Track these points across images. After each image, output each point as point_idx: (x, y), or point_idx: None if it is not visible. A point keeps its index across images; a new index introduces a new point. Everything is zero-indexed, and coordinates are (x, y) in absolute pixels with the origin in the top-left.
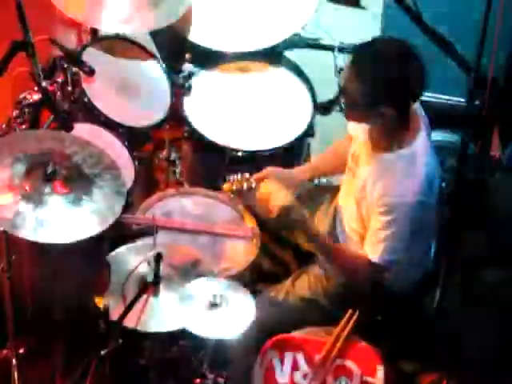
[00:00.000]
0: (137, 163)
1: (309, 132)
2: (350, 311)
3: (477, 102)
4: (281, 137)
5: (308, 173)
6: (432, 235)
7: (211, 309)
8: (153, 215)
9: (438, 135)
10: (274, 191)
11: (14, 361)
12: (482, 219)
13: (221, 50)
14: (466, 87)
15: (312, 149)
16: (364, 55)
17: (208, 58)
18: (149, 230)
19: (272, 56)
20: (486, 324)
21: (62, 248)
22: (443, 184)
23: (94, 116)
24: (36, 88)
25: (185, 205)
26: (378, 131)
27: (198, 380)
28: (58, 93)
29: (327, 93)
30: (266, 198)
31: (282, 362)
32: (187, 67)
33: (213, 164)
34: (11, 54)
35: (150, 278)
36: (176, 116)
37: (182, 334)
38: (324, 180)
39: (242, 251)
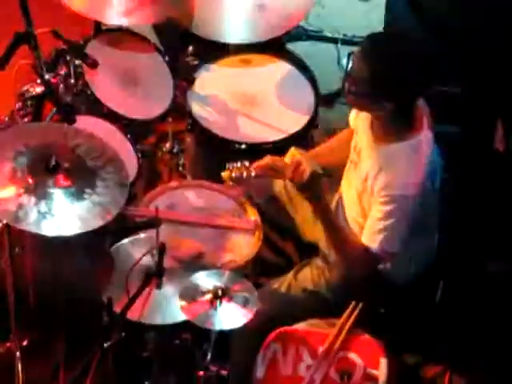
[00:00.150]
0: (140, 156)
1: (312, 124)
2: (352, 303)
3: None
4: (283, 129)
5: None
6: (434, 228)
7: (214, 301)
8: (156, 208)
9: (439, 127)
10: (305, 157)
11: (17, 353)
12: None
13: (223, 43)
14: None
15: (315, 141)
16: (375, 47)
17: (211, 51)
18: (152, 223)
19: (275, 48)
20: (489, 316)
21: (65, 241)
22: (445, 177)
23: (97, 108)
24: (39, 80)
25: (188, 197)
26: (380, 123)
27: (201, 372)
28: (61, 85)
29: (330, 85)
30: (298, 161)
31: (284, 354)
32: (190, 60)
33: (216, 157)
34: (14, 47)
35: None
36: (179, 109)
37: (185, 327)
38: None
39: (244, 244)
